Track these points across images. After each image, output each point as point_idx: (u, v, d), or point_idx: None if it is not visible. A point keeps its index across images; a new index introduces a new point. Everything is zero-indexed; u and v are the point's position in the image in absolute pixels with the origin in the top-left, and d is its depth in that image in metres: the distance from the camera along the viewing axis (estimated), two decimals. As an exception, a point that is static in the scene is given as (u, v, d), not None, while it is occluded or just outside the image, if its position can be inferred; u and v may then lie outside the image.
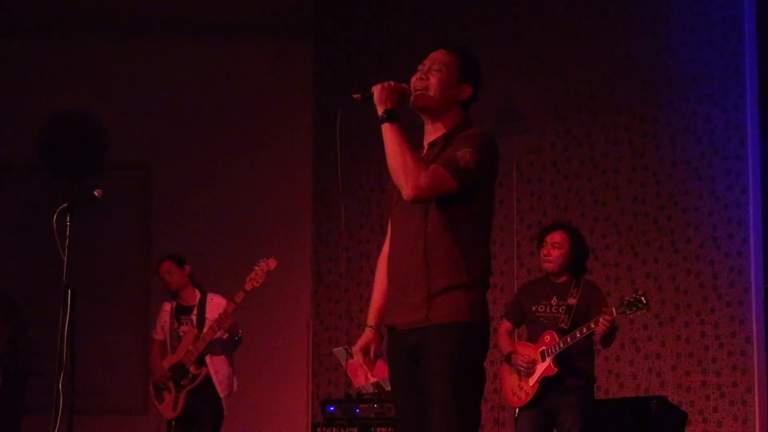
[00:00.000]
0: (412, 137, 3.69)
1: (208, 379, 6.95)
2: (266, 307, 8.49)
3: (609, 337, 5.84)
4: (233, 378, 7.06)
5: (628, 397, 7.55)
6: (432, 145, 3.76)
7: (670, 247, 7.75)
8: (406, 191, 3.59)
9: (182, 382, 6.96)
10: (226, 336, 6.94)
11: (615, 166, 8.05)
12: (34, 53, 9.66)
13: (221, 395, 6.96)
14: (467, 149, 3.61)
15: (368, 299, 3.95)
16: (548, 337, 5.90)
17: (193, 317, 7.05)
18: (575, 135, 8.24)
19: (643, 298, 5.74)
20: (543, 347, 5.90)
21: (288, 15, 9.56)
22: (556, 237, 6.06)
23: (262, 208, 9.56)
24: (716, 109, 7.67)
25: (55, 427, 5.11)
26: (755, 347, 7.36)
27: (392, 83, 3.68)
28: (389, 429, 6.85)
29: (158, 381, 7.07)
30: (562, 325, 5.88)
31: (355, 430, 6.99)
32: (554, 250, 6.03)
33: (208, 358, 6.95)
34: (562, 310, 5.93)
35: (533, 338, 6.01)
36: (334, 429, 7.02)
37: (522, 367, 5.95)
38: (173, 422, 7.02)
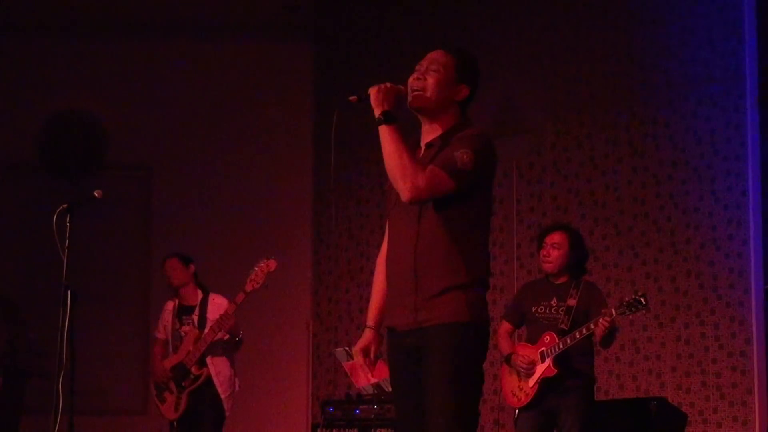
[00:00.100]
0: (409, 138, 3.69)
1: (209, 379, 6.94)
2: (266, 307, 8.47)
3: (609, 337, 5.84)
4: (234, 379, 7.05)
5: (628, 398, 7.55)
6: (429, 145, 3.75)
7: (670, 248, 7.75)
8: (404, 192, 3.58)
9: (184, 383, 6.95)
10: (227, 337, 6.94)
11: (615, 167, 8.04)
12: (34, 53, 9.65)
13: (222, 396, 6.95)
14: (465, 150, 3.60)
15: (368, 300, 3.95)
16: (548, 337, 5.89)
17: (195, 317, 7.05)
18: (575, 136, 8.23)
19: (642, 299, 5.74)
20: (543, 348, 5.90)
21: (288, 15, 9.54)
22: (555, 238, 6.06)
23: (262, 208, 9.56)
24: (716, 109, 7.66)
25: (55, 427, 5.12)
26: (755, 348, 7.35)
27: (389, 85, 3.67)
28: (389, 430, 6.86)
29: (159, 381, 7.07)
30: (562, 325, 5.88)
31: (355, 430, 7.00)
32: (554, 250, 6.02)
33: (209, 359, 6.95)
34: (562, 311, 5.93)
35: (533, 339, 6.01)
36: (334, 430, 7.04)
37: (522, 367, 5.94)
38: (175, 423, 7.03)
